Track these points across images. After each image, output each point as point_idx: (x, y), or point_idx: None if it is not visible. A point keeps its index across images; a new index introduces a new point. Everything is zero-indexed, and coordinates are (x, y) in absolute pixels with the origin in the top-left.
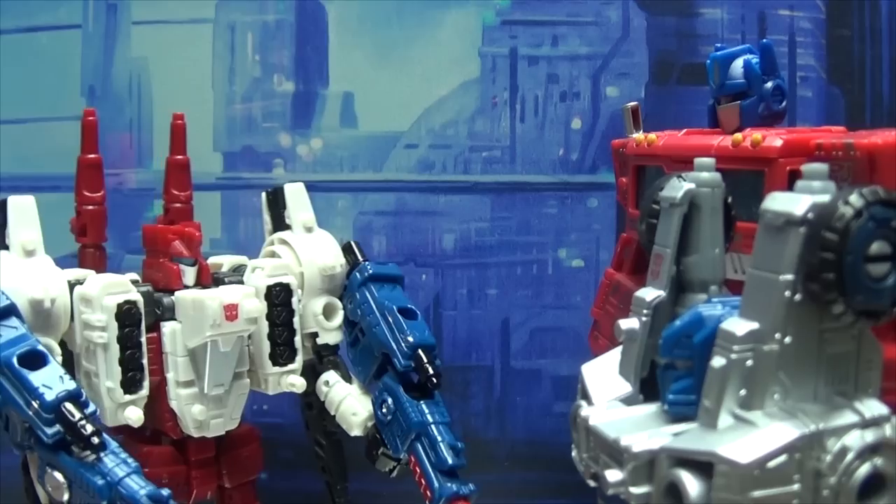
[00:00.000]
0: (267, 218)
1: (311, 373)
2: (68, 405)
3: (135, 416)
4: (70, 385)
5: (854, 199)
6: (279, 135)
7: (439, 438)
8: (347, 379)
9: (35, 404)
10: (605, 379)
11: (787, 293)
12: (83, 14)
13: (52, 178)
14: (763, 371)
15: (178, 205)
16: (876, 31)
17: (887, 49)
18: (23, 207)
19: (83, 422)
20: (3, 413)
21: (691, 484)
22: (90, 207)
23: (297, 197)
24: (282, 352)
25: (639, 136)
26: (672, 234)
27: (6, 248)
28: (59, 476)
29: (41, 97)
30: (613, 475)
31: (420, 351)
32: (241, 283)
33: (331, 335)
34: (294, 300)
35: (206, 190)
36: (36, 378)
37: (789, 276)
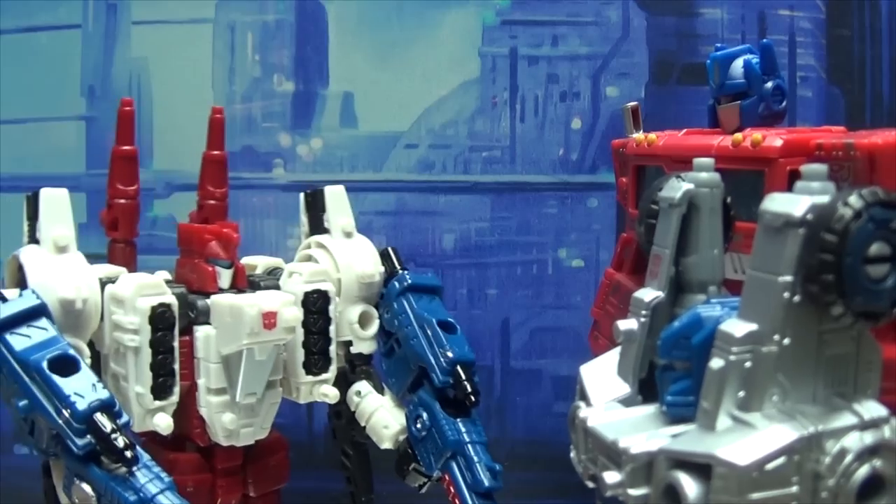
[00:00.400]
0: (304, 220)
1: (343, 381)
2: (101, 416)
3: (164, 423)
4: (103, 394)
5: (853, 200)
6: (279, 135)
7: (476, 459)
8: (380, 390)
9: (66, 413)
10: (603, 380)
11: (786, 294)
12: (83, 14)
13: (52, 178)
14: (762, 372)
15: (212, 202)
16: (876, 31)
17: (887, 49)
18: (56, 200)
19: (116, 434)
20: (28, 418)
21: (689, 486)
22: (122, 201)
23: (337, 200)
24: (316, 360)
25: (639, 136)
26: (671, 235)
27: (36, 242)
28: (87, 488)
29: (41, 97)
30: (612, 476)
31: (459, 367)
32: (277, 287)
33: (365, 344)
34: (331, 308)
35: None
36: (67, 385)
37: (788, 278)
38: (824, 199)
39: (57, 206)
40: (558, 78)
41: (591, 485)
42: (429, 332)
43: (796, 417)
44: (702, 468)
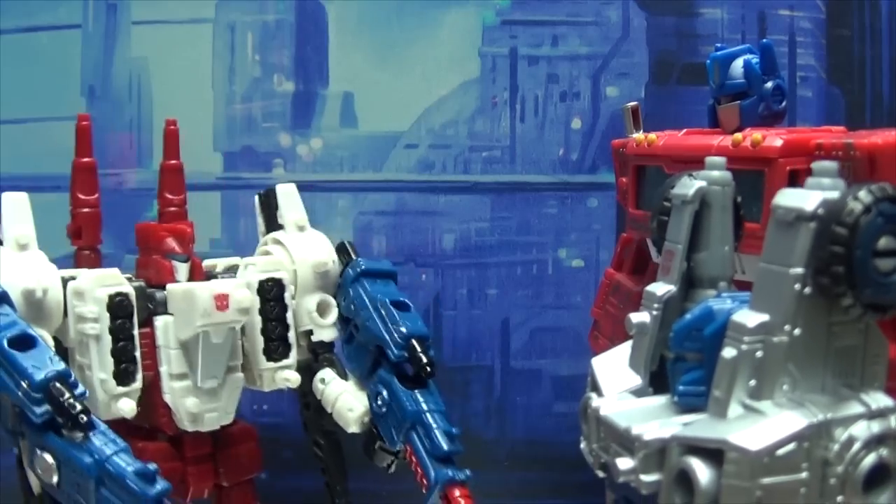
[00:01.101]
0: (260, 220)
1: (308, 372)
2: (57, 384)
3: (128, 407)
4: (59, 366)
5: (863, 195)
6: (279, 135)
7: (434, 426)
8: (343, 376)
9: (24, 384)
10: (615, 372)
11: (797, 286)
12: (83, 14)
13: (51, 178)
14: (772, 362)
15: (172, 208)
16: (876, 31)
17: (887, 49)
18: (16, 202)
19: (72, 400)
20: None
21: (702, 471)
22: (85, 210)
23: (288, 197)
24: (275, 347)
25: (639, 136)
26: (683, 231)
27: (0, 242)
28: (48, 458)
29: (41, 97)
30: (624, 463)
31: (413, 341)
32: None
33: (325, 332)
34: (287, 295)
35: (206, 190)
36: (25, 359)
37: (799, 270)
38: (835, 194)
39: (18, 207)
40: (558, 78)
41: (601, 474)
42: (383, 311)
43: (806, 405)
44: (713, 454)
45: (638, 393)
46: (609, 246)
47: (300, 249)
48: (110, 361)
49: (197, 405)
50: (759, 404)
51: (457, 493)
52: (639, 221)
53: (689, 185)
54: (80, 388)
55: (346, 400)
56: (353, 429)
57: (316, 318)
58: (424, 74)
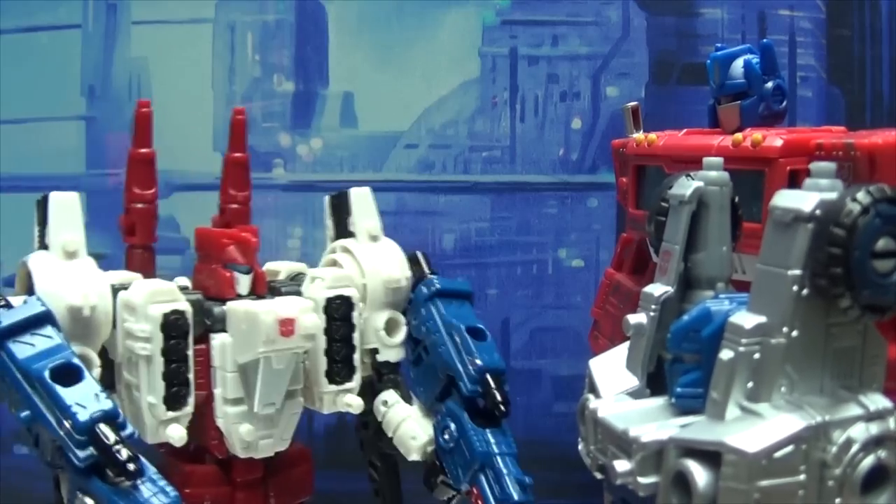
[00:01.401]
0: (329, 224)
1: (369, 391)
2: (103, 427)
3: (177, 434)
4: (106, 404)
5: (861, 196)
6: (279, 135)
7: (505, 471)
8: (407, 399)
9: (67, 424)
10: (612, 373)
11: (795, 288)
12: (83, 14)
13: (52, 178)
14: (770, 364)
15: (234, 205)
16: (876, 31)
17: (887, 49)
18: (65, 204)
19: (118, 446)
20: (32, 430)
21: (699, 473)
22: (139, 206)
23: (362, 202)
24: (339, 369)
25: (639, 136)
26: (681, 231)
27: (45, 247)
28: (90, 503)
29: (41, 97)
30: (622, 465)
31: (488, 375)
32: (299, 293)
33: (392, 352)
34: (355, 314)
35: (205, 190)
36: (69, 395)
37: (797, 271)
38: (833, 195)
39: (66, 210)
40: (558, 78)
41: (599, 476)
42: (457, 338)
43: (804, 408)
44: (711, 456)
45: (635, 394)
46: (609, 246)
47: (372, 262)
48: (161, 385)
49: (251, 433)
50: (757, 406)
51: None
52: (639, 221)
53: (686, 186)
54: (129, 430)
55: (410, 427)
56: (415, 457)
57: (383, 336)
58: (424, 74)
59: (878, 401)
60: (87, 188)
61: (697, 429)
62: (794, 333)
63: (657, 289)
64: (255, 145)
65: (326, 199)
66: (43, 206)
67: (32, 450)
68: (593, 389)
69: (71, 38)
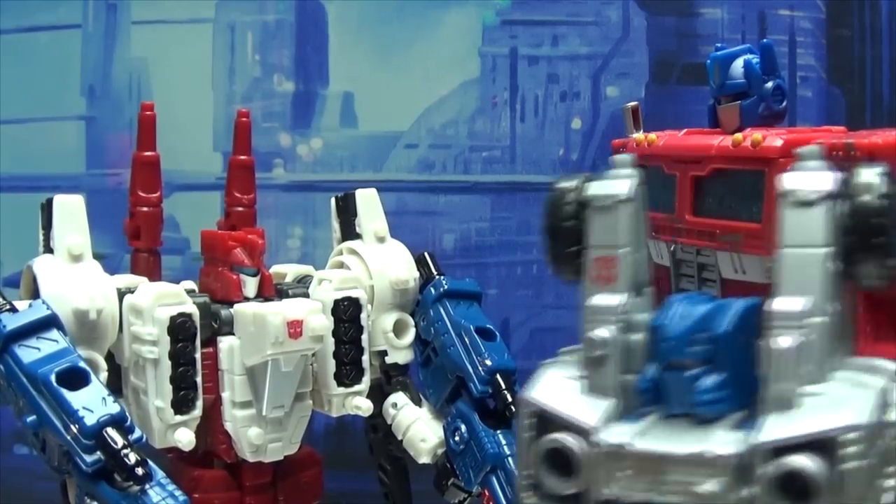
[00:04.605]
0: (336, 225)
1: (379, 393)
2: (110, 431)
3: (186, 438)
4: (113, 408)
5: (877, 170)
6: (279, 135)
7: (517, 473)
8: (417, 401)
9: (74, 428)
10: (571, 402)
11: (829, 264)
12: (83, 14)
13: (52, 178)
14: (822, 342)
15: (240, 208)
16: (876, 31)
17: (887, 49)
18: (70, 208)
19: (127, 450)
20: (39, 435)
21: (816, 464)
22: (144, 209)
23: (368, 203)
24: (348, 371)
25: (639, 135)
26: (625, 233)
27: (50, 251)
28: None
29: (41, 97)
30: (708, 487)
31: (498, 376)
32: (307, 295)
33: (401, 354)
34: (363, 316)
35: (205, 190)
36: (76, 399)
37: (828, 249)
38: (838, 174)
39: (71, 213)
40: (558, 78)
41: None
42: (466, 339)
43: (860, 378)
44: (811, 448)
45: (617, 415)
46: None
47: (379, 263)
48: (169, 388)
49: (260, 436)
50: (821, 387)
51: None
52: None
53: (617, 185)
54: (137, 433)
55: (420, 429)
56: (425, 460)
57: (391, 338)
58: (424, 74)
59: (886, 364)
60: (87, 188)
61: (778, 425)
62: (834, 309)
63: (611, 299)
64: (255, 145)
65: (332, 200)
66: (47, 209)
67: (39, 455)
68: (566, 427)
69: (71, 38)
